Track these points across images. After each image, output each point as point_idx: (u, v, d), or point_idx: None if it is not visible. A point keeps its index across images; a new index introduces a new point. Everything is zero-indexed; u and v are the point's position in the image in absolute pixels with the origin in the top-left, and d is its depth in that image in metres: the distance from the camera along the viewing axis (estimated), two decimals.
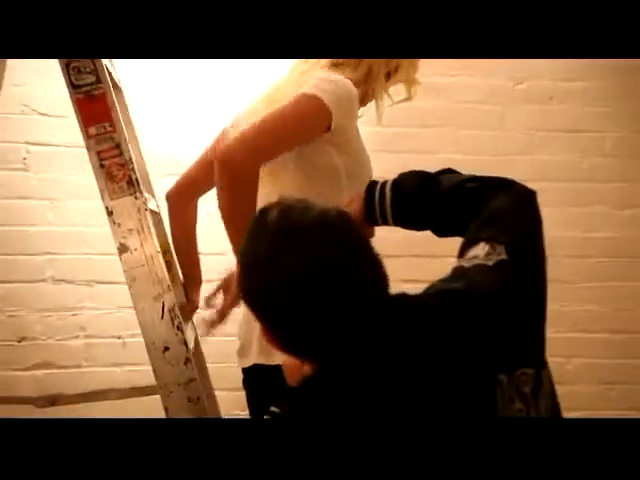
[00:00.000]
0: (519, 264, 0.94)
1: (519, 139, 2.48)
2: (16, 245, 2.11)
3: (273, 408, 0.98)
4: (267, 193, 1.42)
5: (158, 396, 1.86)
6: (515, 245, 0.95)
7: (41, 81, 2.13)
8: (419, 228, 1.15)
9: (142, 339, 2.15)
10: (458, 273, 0.96)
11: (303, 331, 0.91)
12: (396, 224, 1.15)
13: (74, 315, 2.13)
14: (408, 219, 1.14)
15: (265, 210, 0.94)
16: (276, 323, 0.93)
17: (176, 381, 1.36)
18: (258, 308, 0.95)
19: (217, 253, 2.13)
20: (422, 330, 0.90)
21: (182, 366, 1.37)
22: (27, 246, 2.12)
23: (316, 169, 1.44)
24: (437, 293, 0.95)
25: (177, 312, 1.38)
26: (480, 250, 0.95)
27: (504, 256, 0.93)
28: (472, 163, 2.48)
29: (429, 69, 2.40)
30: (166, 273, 1.39)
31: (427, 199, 1.10)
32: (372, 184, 1.18)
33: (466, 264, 0.96)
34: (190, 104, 2.25)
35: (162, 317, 1.38)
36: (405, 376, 0.88)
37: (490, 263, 0.93)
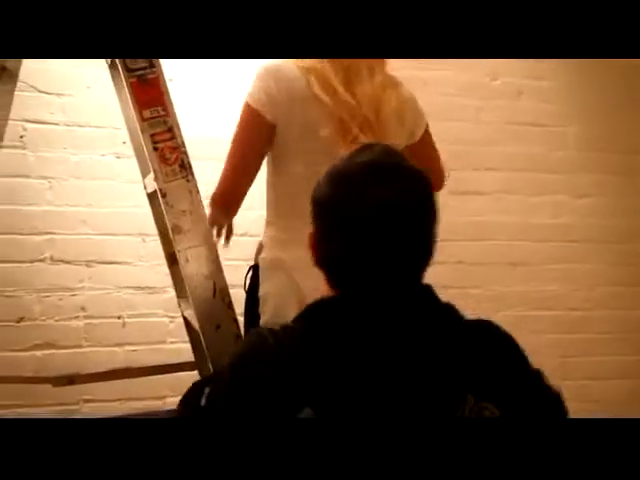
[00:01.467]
0: None
1: (493, 131, 2.65)
2: (14, 225, 2.07)
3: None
4: None
5: (163, 376, 1.92)
6: None
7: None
8: None
9: (141, 319, 2.20)
10: None
11: (355, 255, 0.95)
12: None
13: (73, 295, 2.12)
14: None
15: (368, 145, 1.03)
16: (335, 237, 0.97)
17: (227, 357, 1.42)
18: (326, 216, 0.99)
19: None
20: (442, 323, 0.97)
21: (233, 343, 1.43)
22: (26, 226, 2.08)
23: None
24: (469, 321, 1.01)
25: (228, 291, 1.44)
26: None
27: None
28: (450, 153, 2.64)
29: (412, 63, 2.54)
30: (218, 254, 1.44)
31: None
32: None
33: None
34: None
35: (214, 296, 1.43)
36: (403, 354, 0.92)
37: None
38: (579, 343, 2.71)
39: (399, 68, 2.50)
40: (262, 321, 1.59)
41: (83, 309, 2.12)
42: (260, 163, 1.54)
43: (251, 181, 1.54)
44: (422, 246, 0.98)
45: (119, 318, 2.16)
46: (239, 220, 2.29)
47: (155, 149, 1.42)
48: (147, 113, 1.41)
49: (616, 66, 2.68)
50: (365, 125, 1.52)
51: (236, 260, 2.28)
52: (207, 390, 1.00)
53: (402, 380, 0.91)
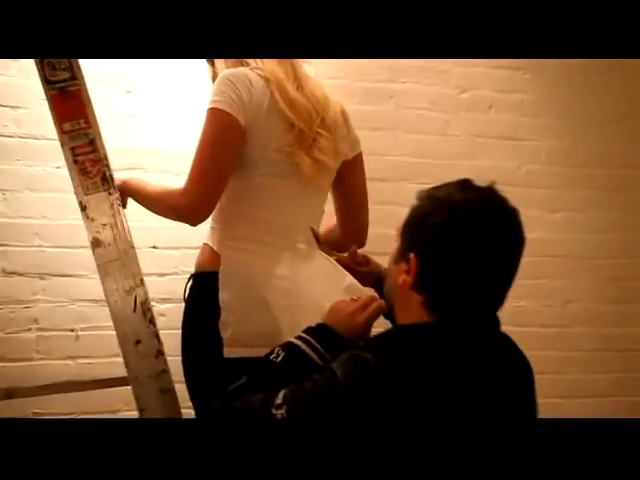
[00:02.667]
0: None
1: (461, 144, 2.62)
2: None
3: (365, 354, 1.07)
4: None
5: (117, 388, 1.89)
6: None
7: None
8: None
9: (95, 332, 2.19)
10: None
11: (466, 284, 1.10)
12: None
13: (26, 308, 2.11)
14: None
15: (469, 181, 1.19)
16: (450, 265, 1.09)
17: (147, 373, 1.40)
18: (445, 244, 1.10)
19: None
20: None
21: (153, 359, 1.41)
22: None
23: None
24: None
25: (149, 305, 1.42)
26: None
27: None
28: (417, 166, 2.63)
29: (381, 75, 2.53)
30: (139, 267, 1.42)
31: None
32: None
33: None
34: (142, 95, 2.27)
35: (134, 310, 1.41)
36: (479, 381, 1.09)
37: None
38: (552, 359, 2.65)
39: (365, 80, 2.51)
40: (228, 333, 1.46)
41: (35, 321, 2.12)
42: (233, 171, 1.47)
43: (223, 189, 1.46)
44: (512, 282, 1.14)
45: (72, 331, 2.15)
46: (195, 232, 2.28)
47: (75, 162, 1.40)
48: (67, 126, 1.40)
49: (586, 80, 2.65)
50: (322, 124, 1.52)
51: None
52: (277, 403, 1.06)
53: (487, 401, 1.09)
